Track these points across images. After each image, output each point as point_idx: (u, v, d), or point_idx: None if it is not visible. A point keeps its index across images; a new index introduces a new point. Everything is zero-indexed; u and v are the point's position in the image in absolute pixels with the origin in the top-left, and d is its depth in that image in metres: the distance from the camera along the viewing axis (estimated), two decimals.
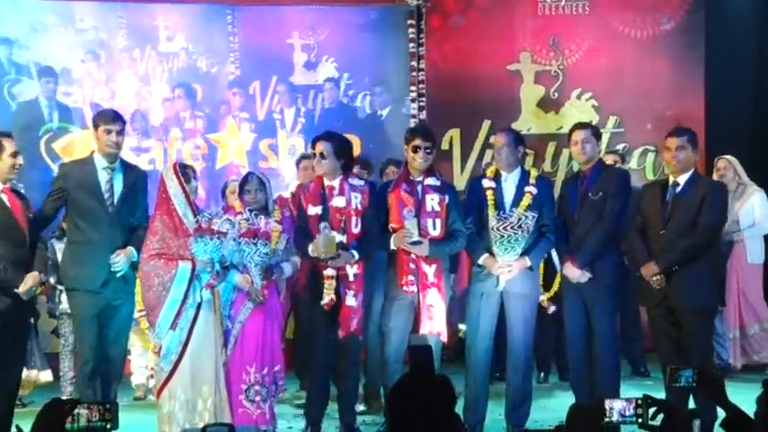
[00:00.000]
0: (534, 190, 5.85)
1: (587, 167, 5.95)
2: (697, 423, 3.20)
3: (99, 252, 5.58)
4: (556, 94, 9.09)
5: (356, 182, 5.90)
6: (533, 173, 6.04)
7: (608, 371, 5.87)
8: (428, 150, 5.84)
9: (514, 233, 5.72)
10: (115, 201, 5.67)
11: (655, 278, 5.60)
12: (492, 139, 6.24)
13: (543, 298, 7.27)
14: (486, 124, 8.73)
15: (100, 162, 5.69)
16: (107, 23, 8.16)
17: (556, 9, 9.04)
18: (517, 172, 5.95)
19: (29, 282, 5.37)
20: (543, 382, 7.60)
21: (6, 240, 5.38)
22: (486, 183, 5.93)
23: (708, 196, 5.62)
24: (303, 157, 7.32)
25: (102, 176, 5.67)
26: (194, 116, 8.39)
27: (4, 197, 5.44)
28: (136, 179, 5.79)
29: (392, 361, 5.85)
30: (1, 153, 5.42)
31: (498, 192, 5.89)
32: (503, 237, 5.72)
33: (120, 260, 5.56)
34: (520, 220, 5.73)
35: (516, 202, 5.82)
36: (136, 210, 5.73)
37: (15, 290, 5.34)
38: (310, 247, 5.68)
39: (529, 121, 9.06)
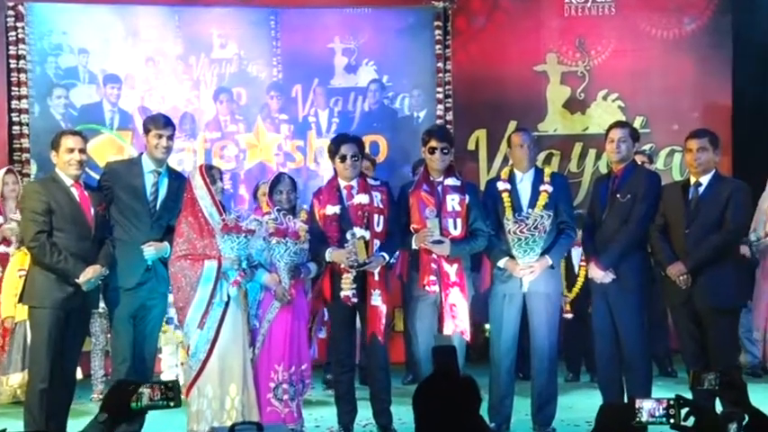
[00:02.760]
0: (550, 188, 5.85)
1: (619, 168, 5.89)
2: (734, 427, 3.12)
3: (138, 252, 5.60)
4: (582, 95, 9.08)
5: (374, 181, 5.95)
6: (547, 170, 6.04)
7: (637, 372, 5.83)
8: (444, 151, 5.84)
9: (531, 235, 5.68)
10: (158, 205, 5.71)
11: (682, 277, 5.58)
12: (511, 140, 6.14)
13: (565, 300, 7.33)
14: (512, 125, 8.62)
15: (147, 165, 5.74)
16: (165, 32, 8.47)
17: (582, 10, 9.03)
18: (532, 171, 5.94)
19: (88, 273, 5.38)
20: (572, 381, 7.63)
21: (72, 233, 5.42)
22: (501, 185, 5.93)
23: (733, 196, 5.60)
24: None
25: (149, 179, 5.72)
26: (235, 120, 8.57)
27: (75, 192, 5.49)
28: (179, 186, 5.76)
29: (423, 360, 5.81)
30: (57, 149, 5.49)
31: (514, 193, 5.89)
32: (520, 240, 5.70)
33: (150, 249, 5.59)
34: (536, 221, 5.70)
35: (533, 203, 5.82)
36: (175, 214, 5.71)
37: (75, 280, 5.37)
38: (332, 255, 5.69)
39: (555, 122, 9.07)
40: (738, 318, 6.00)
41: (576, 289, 7.45)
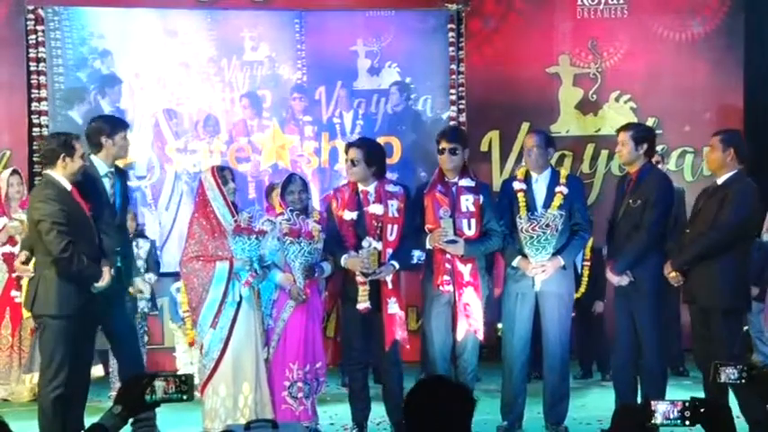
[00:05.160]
0: (565, 190, 5.83)
1: (632, 170, 5.86)
2: None
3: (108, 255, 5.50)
4: (594, 97, 8.97)
5: (392, 188, 5.84)
6: (563, 172, 6.02)
7: (652, 373, 5.82)
8: (454, 151, 5.80)
9: (543, 233, 5.68)
10: (117, 206, 5.67)
11: (671, 275, 5.62)
12: (524, 141, 6.15)
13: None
14: (525, 126, 8.62)
15: (102, 168, 5.62)
16: (199, 35, 8.47)
17: (594, 12, 8.93)
18: (547, 173, 5.92)
19: (106, 277, 5.33)
20: (582, 378, 7.63)
21: (83, 237, 5.31)
22: (517, 185, 5.90)
23: (731, 194, 5.46)
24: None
25: (107, 182, 5.63)
26: (261, 123, 8.57)
27: (76, 196, 5.35)
28: (127, 184, 5.78)
29: (438, 359, 5.84)
30: (73, 154, 5.34)
31: (529, 193, 5.86)
32: (532, 238, 5.69)
33: (102, 285, 5.38)
34: (548, 220, 5.69)
35: (548, 203, 5.80)
36: (125, 214, 5.73)
37: (96, 284, 5.30)
38: (347, 261, 5.66)
39: (567, 123, 8.97)
40: (740, 319, 5.87)
41: (581, 289, 7.46)
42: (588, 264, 7.52)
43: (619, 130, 5.95)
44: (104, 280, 5.32)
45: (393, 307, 5.69)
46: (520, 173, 6.03)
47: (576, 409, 6.21)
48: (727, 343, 5.48)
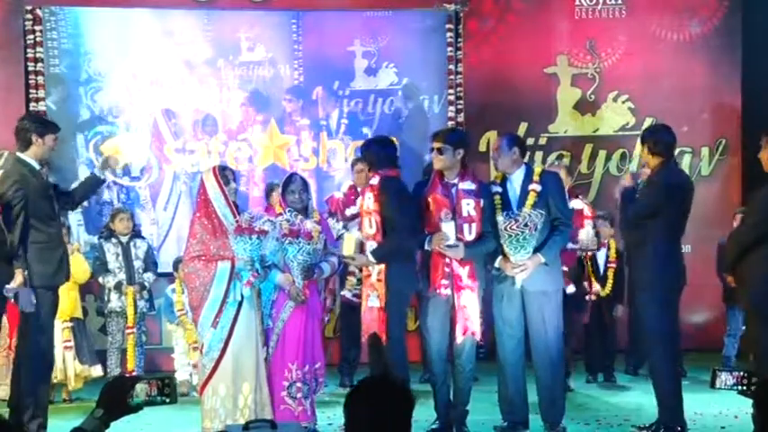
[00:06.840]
0: (538, 187, 5.75)
1: (650, 172, 5.89)
2: None
3: (58, 250, 5.66)
4: (592, 97, 8.98)
5: (373, 180, 5.81)
6: (537, 170, 5.93)
7: (652, 372, 5.88)
8: (440, 151, 5.76)
9: (522, 232, 5.59)
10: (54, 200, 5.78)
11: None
12: None
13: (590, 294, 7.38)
14: (523, 126, 8.62)
15: (36, 166, 5.72)
16: (196, 35, 8.48)
17: (593, 12, 8.94)
18: (521, 171, 5.84)
19: (18, 278, 5.37)
20: (589, 383, 7.60)
21: None
22: (493, 188, 5.89)
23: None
24: (357, 159, 7.40)
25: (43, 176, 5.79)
26: (257, 122, 8.58)
27: None
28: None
29: (436, 359, 5.82)
30: None
31: (505, 195, 5.83)
32: (511, 237, 5.62)
33: (13, 287, 5.49)
34: (526, 219, 5.62)
35: (522, 202, 5.75)
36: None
37: (7, 286, 5.35)
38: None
39: (565, 124, 8.97)
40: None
41: (606, 290, 7.49)
42: (614, 266, 7.51)
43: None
44: (16, 281, 5.33)
45: (373, 300, 5.64)
46: (497, 176, 6.03)
47: (575, 410, 6.20)
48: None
